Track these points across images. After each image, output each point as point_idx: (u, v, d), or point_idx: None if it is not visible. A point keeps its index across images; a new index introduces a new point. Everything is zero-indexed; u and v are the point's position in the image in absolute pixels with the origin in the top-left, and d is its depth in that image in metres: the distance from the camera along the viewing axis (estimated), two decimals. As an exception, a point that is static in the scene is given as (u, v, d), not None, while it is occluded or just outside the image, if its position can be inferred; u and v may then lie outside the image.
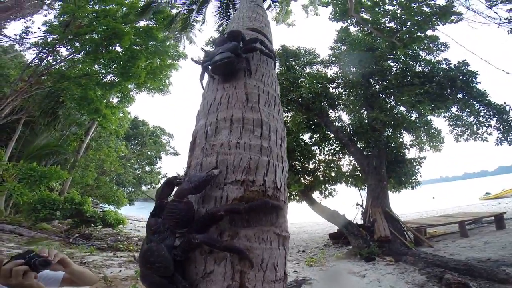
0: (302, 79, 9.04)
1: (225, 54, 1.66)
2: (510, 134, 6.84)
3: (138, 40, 10.10)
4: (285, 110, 9.00)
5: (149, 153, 21.44)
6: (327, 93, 8.85)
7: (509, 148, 7.07)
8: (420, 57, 8.60)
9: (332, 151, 9.87)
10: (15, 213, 10.85)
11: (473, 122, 7.47)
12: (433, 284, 4.28)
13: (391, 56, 9.00)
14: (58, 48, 9.62)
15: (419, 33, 7.33)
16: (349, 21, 8.80)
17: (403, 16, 7.18)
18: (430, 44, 8.67)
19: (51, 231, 8.60)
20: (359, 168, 9.04)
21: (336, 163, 9.81)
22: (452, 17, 6.66)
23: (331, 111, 9.64)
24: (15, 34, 10.10)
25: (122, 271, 5.13)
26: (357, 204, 8.70)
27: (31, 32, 9.60)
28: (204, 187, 1.12)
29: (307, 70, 10.02)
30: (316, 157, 9.63)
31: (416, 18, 6.83)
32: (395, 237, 6.76)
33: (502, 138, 6.94)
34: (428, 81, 7.49)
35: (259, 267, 1.04)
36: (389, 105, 8.81)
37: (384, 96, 9.02)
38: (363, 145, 8.94)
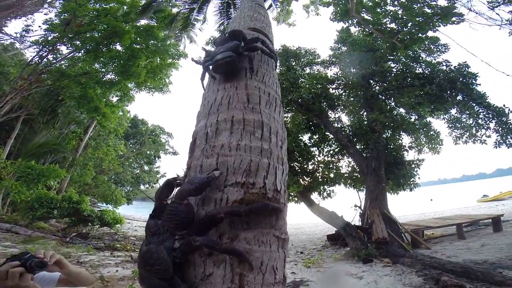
0: (302, 80, 9.04)
1: (227, 53, 1.65)
2: (509, 137, 6.86)
3: (138, 39, 10.10)
4: (285, 110, 8.98)
5: (148, 152, 21.40)
6: (327, 94, 8.86)
7: (507, 150, 7.09)
8: (420, 58, 8.62)
9: (331, 152, 9.89)
10: (12, 212, 10.79)
11: (472, 125, 7.49)
12: (430, 286, 4.29)
13: (392, 57, 9.02)
14: (58, 47, 9.61)
15: (420, 34, 7.34)
16: (350, 21, 8.80)
17: (404, 17, 7.18)
18: (431, 45, 8.69)
19: (48, 230, 8.57)
20: (358, 169, 9.05)
21: (335, 164, 9.82)
22: (454, 18, 6.66)
23: (330, 112, 9.66)
24: (15, 32, 10.10)
25: (119, 271, 5.12)
26: (355, 206, 8.72)
27: (32, 30, 9.59)
28: (204, 189, 1.11)
29: (307, 70, 10.03)
30: (315, 158, 9.64)
31: (417, 19, 6.83)
32: (393, 239, 6.78)
33: (501, 141, 6.97)
34: (428, 83, 7.50)
35: (258, 270, 1.04)
36: (388, 107, 8.83)
37: (384, 98, 9.04)
38: (362, 147, 8.96)
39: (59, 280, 1.35)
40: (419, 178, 8.84)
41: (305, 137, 9.83)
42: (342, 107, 9.93)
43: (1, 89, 9.42)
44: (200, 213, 1.13)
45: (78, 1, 8.82)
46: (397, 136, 9.09)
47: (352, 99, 9.55)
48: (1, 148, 9.87)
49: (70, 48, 9.64)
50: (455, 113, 8.09)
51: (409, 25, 7.15)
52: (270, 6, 8.36)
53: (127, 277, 4.70)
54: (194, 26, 8.72)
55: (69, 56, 9.92)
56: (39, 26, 9.32)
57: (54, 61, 9.89)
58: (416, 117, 9.01)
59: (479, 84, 7.31)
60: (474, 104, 7.36)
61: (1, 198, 10.02)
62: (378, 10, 7.75)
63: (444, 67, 7.87)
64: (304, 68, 9.98)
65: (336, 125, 9.46)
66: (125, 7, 9.87)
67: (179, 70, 13.78)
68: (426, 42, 8.39)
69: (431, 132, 9.10)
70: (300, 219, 15.27)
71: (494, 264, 4.82)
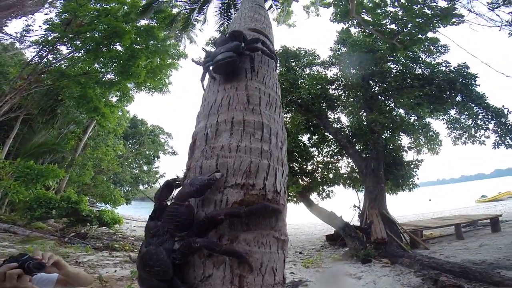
0: (302, 80, 9.05)
1: (227, 53, 1.65)
2: (508, 138, 6.88)
3: (138, 39, 10.09)
4: (284, 111, 8.98)
5: (147, 152, 21.35)
6: (326, 95, 8.87)
7: (506, 151, 7.11)
8: (420, 59, 8.63)
9: (330, 152, 9.89)
10: (10, 212, 10.77)
11: (471, 125, 7.51)
12: (429, 286, 4.30)
13: (391, 58, 9.03)
14: (58, 47, 9.59)
15: (420, 35, 7.35)
16: (350, 22, 8.81)
17: (404, 18, 7.20)
18: (431, 46, 8.72)
19: (46, 230, 8.54)
20: (357, 170, 9.06)
21: (334, 164, 9.83)
22: (454, 19, 6.68)
23: (330, 112, 9.66)
24: (15, 32, 10.07)
25: (118, 271, 5.11)
26: (354, 206, 8.74)
27: (32, 30, 9.57)
28: (206, 191, 1.11)
29: (307, 71, 10.03)
30: (315, 159, 9.64)
31: (417, 20, 6.84)
32: (392, 239, 6.79)
33: (500, 142, 6.99)
34: (427, 84, 7.52)
35: (258, 271, 1.04)
36: (388, 108, 8.84)
37: (383, 98, 9.05)
38: (361, 147, 8.97)
39: (57, 280, 1.35)
40: (418, 178, 8.87)
41: (305, 138, 9.85)
42: (342, 108, 9.94)
43: (0, 88, 9.39)
44: (199, 215, 1.13)
45: (79, 1, 8.81)
46: (396, 137, 9.11)
47: (351, 99, 9.56)
48: (0, 148, 9.84)
49: (70, 48, 9.62)
50: (454, 113, 8.11)
51: (409, 26, 7.17)
52: (271, 7, 8.37)
53: (125, 277, 4.69)
54: (194, 27, 8.72)
55: (69, 56, 9.91)
56: (40, 26, 9.32)
57: (54, 61, 9.88)
58: (416, 118, 9.03)
59: (479, 85, 7.36)
60: (473, 105, 7.38)
61: (0, 198, 9.99)
62: (378, 11, 7.76)
63: (444, 68, 7.89)
64: (304, 69, 9.99)
65: (335, 125, 9.47)
66: (125, 7, 9.86)
67: (179, 70, 13.78)
68: (426, 43, 8.41)
69: (430, 133, 9.13)
70: (299, 219, 15.28)
71: (492, 264, 4.84)
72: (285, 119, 9.19)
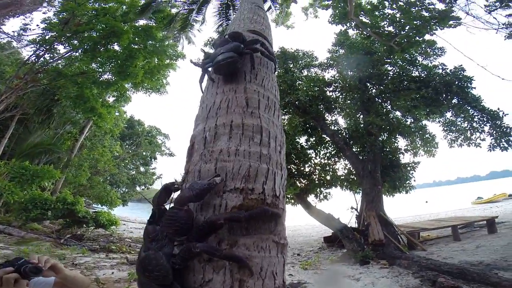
0: (300, 82, 9.08)
1: (228, 54, 1.63)
2: (503, 140, 6.96)
3: (136, 39, 10.02)
4: (282, 112, 9.01)
5: (144, 153, 21.25)
6: (324, 97, 8.90)
7: (501, 153, 7.19)
8: (417, 61, 8.70)
9: (327, 154, 9.93)
10: (5, 213, 10.62)
11: (467, 128, 7.58)
12: (427, 288, 4.32)
13: (389, 60, 9.10)
14: (55, 46, 9.51)
15: (417, 38, 7.42)
16: (348, 24, 8.87)
17: (402, 20, 7.26)
18: (428, 49, 8.79)
19: (42, 231, 8.45)
20: (354, 172, 9.10)
21: (331, 166, 9.87)
22: (451, 22, 6.74)
23: (327, 114, 9.71)
24: (13, 31, 9.96)
25: (115, 273, 5.07)
26: (352, 208, 8.76)
27: (30, 29, 9.48)
28: (205, 195, 1.11)
29: (305, 73, 10.07)
30: (312, 161, 9.67)
31: (414, 22, 6.90)
32: (389, 241, 6.82)
33: (495, 144, 7.05)
34: (424, 86, 7.58)
35: (258, 276, 1.03)
36: (385, 110, 8.90)
37: (380, 101, 9.11)
38: (358, 149, 9.01)
39: (54, 283, 1.33)
40: (414, 180, 8.92)
41: (302, 140, 9.88)
42: (339, 110, 9.99)
43: (-4, 88, 9.29)
44: (199, 219, 1.13)
45: (77, 0, 8.74)
46: (393, 139, 9.16)
47: (349, 102, 9.61)
48: (-5, 148, 9.73)
49: (68, 47, 9.54)
50: (450, 116, 8.19)
51: (407, 28, 7.23)
52: (270, 8, 8.40)
53: (123, 279, 4.65)
54: (192, 27, 8.70)
55: (66, 55, 9.82)
56: (37, 25, 9.24)
57: (51, 60, 9.78)
58: (412, 120, 9.10)
59: (474, 88, 7.41)
60: (469, 108, 7.45)
61: (-6, 199, 9.86)
62: (376, 13, 7.83)
63: (440, 71, 7.95)
64: (302, 71, 10.02)
65: (332, 127, 9.52)
66: (124, 6, 9.81)
67: (176, 71, 13.74)
68: (423, 46, 8.49)
69: (427, 135, 9.19)
70: (296, 221, 15.29)
71: (490, 265, 4.88)
72: (282, 121, 9.20)
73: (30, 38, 9.34)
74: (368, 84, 9.34)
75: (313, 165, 9.65)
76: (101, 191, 13.79)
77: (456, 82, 7.39)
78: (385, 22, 7.85)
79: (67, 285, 1.33)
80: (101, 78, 10.51)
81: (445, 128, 8.22)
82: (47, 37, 9.00)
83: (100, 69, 10.53)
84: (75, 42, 9.35)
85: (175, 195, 1.21)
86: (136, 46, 10.15)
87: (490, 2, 6.41)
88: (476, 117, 7.42)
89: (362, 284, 4.78)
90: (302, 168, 9.30)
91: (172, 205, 1.12)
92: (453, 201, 23.46)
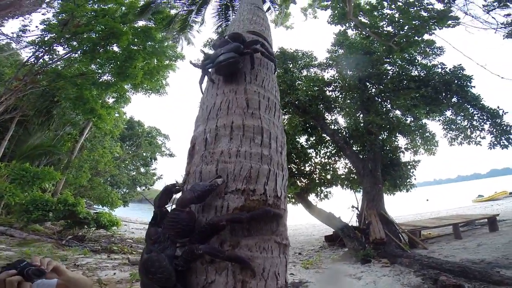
0: (299, 82, 9.08)
1: (229, 54, 1.63)
2: (503, 138, 6.96)
3: (136, 40, 10.02)
4: (282, 112, 9.01)
5: (144, 154, 21.24)
6: (323, 96, 8.91)
7: (501, 151, 7.21)
8: (416, 61, 8.72)
9: (328, 154, 9.94)
10: (7, 214, 10.63)
11: (467, 126, 7.60)
12: (428, 286, 4.32)
13: (388, 60, 9.10)
14: (55, 47, 9.51)
15: (416, 37, 7.42)
16: (347, 24, 8.87)
17: (401, 20, 7.26)
18: (427, 48, 8.80)
19: (43, 232, 8.47)
20: (354, 171, 9.10)
21: (332, 165, 9.87)
22: (449, 22, 6.75)
23: (327, 114, 9.71)
24: (12, 32, 9.95)
25: (117, 273, 5.07)
26: (353, 207, 8.76)
27: (29, 30, 9.46)
28: (207, 197, 1.11)
29: (304, 73, 10.07)
30: (312, 160, 9.68)
31: (413, 22, 6.91)
32: (390, 239, 6.82)
33: (495, 142, 7.07)
34: (423, 85, 7.59)
35: (260, 276, 1.04)
36: (385, 109, 8.91)
37: (380, 100, 9.11)
38: (358, 148, 9.01)
39: (56, 285, 1.34)
40: (415, 179, 8.95)
41: (302, 139, 9.88)
42: (339, 109, 9.99)
43: (-5, 90, 9.28)
44: (200, 221, 1.13)
45: (76, 1, 8.74)
46: (393, 138, 9.17)
47: (348, 101, 9.62)
48: (-5, 150, 9.73)
49: (67, 48, 9.54)
50: (450, 115, 8.21)
51: (406, 28, 7.23)
52: (269, 9, 8.39)
53: (125, 280, 4.66)
54: (192, 28, 8.70)
55: (65, 56, 9.83)
56: (36, 26, 9.22)
57: (50, 61, 9.78)
58: (412, 119, 9.11)
59: (474, 87, 7.42)
60: (469, 106, 7.46)
61: (-5, 201, 9.87)
62: (375, 13, 7.83)
63: (440, 70, 7.96)
64: (301, 71, 10.03)
65: (332, 127, 9.52)
66: (123, 8, 9.81)
67: (176, 71, 13.74)
68: (422, 45, 8.48)
69: (427, 134, 9.20)
70: (297, 220, 15.29)
71: (491, 264, 4.88)
72: (283, 121, 9.18)
73: (29, 39, 9.33)
74: (368, 84, 9.35)
75: (313, 164, 9.66)
76: (102, 192, 13.81)
77: (456, 81, 7.40)
78: (384, 22, 7.85)
79: (70, 287, 1.34)
80: (101, 79, 10.52)
81: (445, 127, 8.24)
82: (46, 39, 8.99)
83: (99, 70, 10.54)
84: (75, 43, 9.35)
85: (176, 196, 1.21)
86: (135, 47, 10.16)
87: (488, 2, 6.42)
88: (476, 115, 7.44)
89: (363, 283, 4.78)
90: (302, 168, 9.30)
91: (173, 207, 1.12)
92: (454, 199, 23.47)
